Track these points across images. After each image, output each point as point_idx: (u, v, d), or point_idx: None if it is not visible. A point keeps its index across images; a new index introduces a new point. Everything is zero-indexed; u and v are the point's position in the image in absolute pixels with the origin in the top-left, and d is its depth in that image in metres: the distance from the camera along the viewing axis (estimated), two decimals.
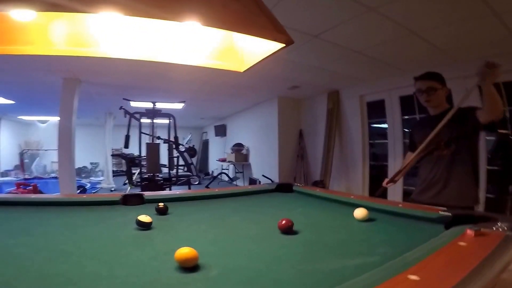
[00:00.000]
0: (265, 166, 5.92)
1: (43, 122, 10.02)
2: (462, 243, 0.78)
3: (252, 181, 6.12)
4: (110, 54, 1.18)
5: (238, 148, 6.92)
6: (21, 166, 9.10)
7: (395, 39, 2.58)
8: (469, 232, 0.84)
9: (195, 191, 2.07)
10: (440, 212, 1.17)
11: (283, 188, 2.09)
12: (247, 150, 6.88)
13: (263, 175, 5.78)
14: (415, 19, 2.21)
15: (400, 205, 1.40)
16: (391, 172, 3.98)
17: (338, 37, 2.55)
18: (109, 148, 7.86)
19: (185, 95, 5.26)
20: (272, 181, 5.47)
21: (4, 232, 1.05)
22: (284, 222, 1.12)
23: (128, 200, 1.62)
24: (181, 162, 7.15)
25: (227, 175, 7.54)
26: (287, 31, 1.00)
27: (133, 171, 6.82)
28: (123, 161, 9.08)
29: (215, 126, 8.87)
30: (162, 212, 1.37)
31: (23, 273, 0.70)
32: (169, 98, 5.50)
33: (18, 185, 5.87)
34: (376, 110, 4.26)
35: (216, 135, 9.00)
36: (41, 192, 5.91)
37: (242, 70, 1.35)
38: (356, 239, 1.07)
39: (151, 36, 1.19)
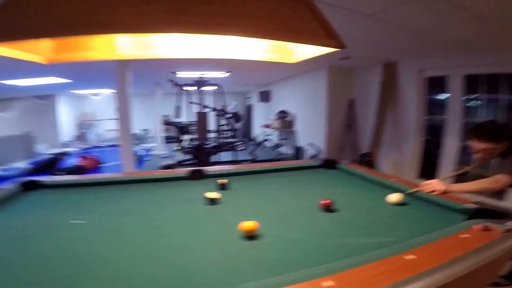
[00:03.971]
0: (311, 134, 5.99)
1: (95, 95, 11.04)
2: (466, 235, 0.94)
3: (298, 149, 6.28)
4: (172, 55, 1.29)
5: (283, 115, 7.01)
6: (80, 136, 10.20)
7: (462, 22, 2.37)
8: (476, 227, 1.00)
9: (246, 166, 2.33)
10: (464, 205, 1.28)
11: (327, 164, 2.26)
12: (293, 117, 6.95)
13: (308, 144, 5.89)
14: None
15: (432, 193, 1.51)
16: (446, 150, 3.90)
17: (402, 17, 2.43)
18: (159, 116, 8.50)
19: (231, 64, 5.39)
20: (318, 150, 5.59)
21: (108, 213, 1.37)
22: (325, 201, 1.33)
23: (193, 176, 1.95)
24: (227, 128, 7.55)
25: (271, 141, 7.80)
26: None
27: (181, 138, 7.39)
28: (170, 127, 9.85)
29: (259, 92, 8.94)
30: (224, 188, 1.67)
31: (139, 247, 1.01)
32: (215, 68, 5.69)
33: (83, 157, 6.81)
34: (435, 86, 4.03)
35: (260, 101, 9.09)
36: (101, 162, 6.89)
37: (292, 62, 1.48)
38: (382, 222, 1.25)
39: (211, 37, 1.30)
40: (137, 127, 10.41)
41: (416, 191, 1.55)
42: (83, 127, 10.23)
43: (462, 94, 3.68)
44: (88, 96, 11.10)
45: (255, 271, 0.84)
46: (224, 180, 1.71)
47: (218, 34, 0.96)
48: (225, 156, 6.77)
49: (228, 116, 7.05)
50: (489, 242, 0.91)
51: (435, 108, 4.15)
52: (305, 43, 1.13)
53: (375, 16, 2.42)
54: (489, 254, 0.86)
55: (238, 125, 8.04)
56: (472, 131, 1.73)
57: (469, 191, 1.65)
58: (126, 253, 0.96)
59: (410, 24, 2.59)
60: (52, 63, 1.19)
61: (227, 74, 6.23)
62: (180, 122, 7.01)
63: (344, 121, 5.42)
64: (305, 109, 6.31)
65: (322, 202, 1.34)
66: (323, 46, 1.12)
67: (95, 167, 6.59)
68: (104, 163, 7.06)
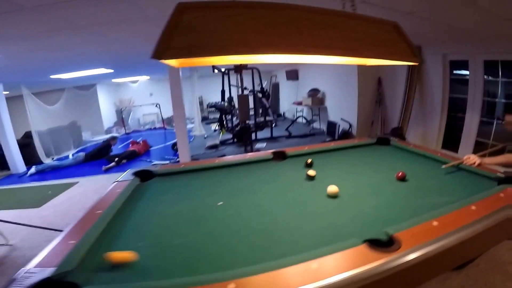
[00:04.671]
0: (342, 110, 6.38)
1: (133, 82, 11.60)
2: (502, 195, 1.45)
3: (331, 124, 6.68)
4: (271, 61, 1.57)
5: (314, 92, 7.36)
6: (121, 122, 10.81)
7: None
8: (510, 189, 1.49)
9: (315, 146, 2.75)
10: (496, 174, 1.78)
11: (381, 142, 2.71)
12: (323, 94, 7.28)
13: (341, 119, 6.28)
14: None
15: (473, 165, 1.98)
16: (467, 125, 4.38)
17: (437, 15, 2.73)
18: (196, 97, 8.98)
19: None
20: (350, 125, 5.99)
21: (235, 193, 1.79)
22: (401, 174, 1.80)
23: (278, 157, 2.45)
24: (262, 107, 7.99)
25: (304, 117, 8.19)
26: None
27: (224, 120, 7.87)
28: (205, 108, 10.32)
29: (286, 71, 9.25)
30: (310, 166, 2.17)
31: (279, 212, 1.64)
32: None
33: (133, 142, 7.37)
34: (460, 64, 4.39)
35: (287, 79, 9.40)
36: (151, 146, 7.54)
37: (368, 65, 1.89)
38: (443, 186, 1.78)
39: None
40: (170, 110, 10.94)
41: (459, 163, 2.01)
42: (123, 113, 10.88)
43: (482, 75, 4.04)
44: (126, 83, 11.67)
45: (368, 219, 1.40)
46: (310, 160, 2.20)
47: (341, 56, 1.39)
48: (260, 133, 7.25)
49: (263, 96, 7.45)
50: None
51: (458, 85, 4.54)
52: (400, 61, 1.53)
53: (414, 15, 2.72)
54: None
55: (271, 104, 8.46)
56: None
57: (499, 163, 2.03)
58: (276, 221, 1.42)
59: (443, 20, 2.87)
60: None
61: None
62: (223, 104, 7.48)
63: (373, 98, 5.76)
64: (335, 87, 6.64)
65: (399, 174, 1.81)
66: (410, 62, 1.53)
67: (146, 151, 7.26)
68: (152, 146, 7.73)
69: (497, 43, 3.58)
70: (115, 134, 9.14)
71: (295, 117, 8.53)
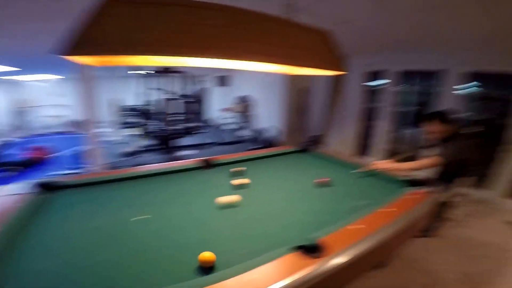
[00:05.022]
0: (270, 117, 6.65)
1: (38, 81, 9.91)
2: (409, 197, 1.71)
3: (259, 131, 6.88)
4: (200, 65, 1.44)
5: (244, 99, 7.49)
6: (18, 124, 9.24)
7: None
8: (415, 191, 1.77)
9: (241, 154, 2.75)
10: (404, 178, 2.06)
11: (304, 149, 2.89)
12: (253, 101, 7.47)
13: (270, 126, 6.53)
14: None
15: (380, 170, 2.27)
16: (377, 132, 5.00)
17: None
18: (114, 100, 8.15)
19: None
20: (277, 131, 6.27)
21: (160, 204, 1.68)
22: (323, 180, 1.91)
23: (207, 165, 2.35)
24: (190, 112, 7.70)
25: (233, 124, 8.23)
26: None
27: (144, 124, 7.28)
28: (124, 111, 9.42)
29: (217, 76, 9.20)
30: (237, 175, 2.13)
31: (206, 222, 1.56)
32: None
33: (33, 148, 6.11)
34: (375, 77, 5.05)
35: (218, 85, 9.36)
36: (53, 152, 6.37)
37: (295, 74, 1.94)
38: (360, 190, 1.95)
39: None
40: (80, 113, 9.64)
41: (369, 170, 2.24)
42: (21, 114, 9.12)
43: (394, 86, 4.73)
44: (24, 82, 9.85)
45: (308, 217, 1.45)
46: (239, 168, 2.17)
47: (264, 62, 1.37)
48: (186, 140, 6.97)
49: (191, 100, 7.20)
50: (423, 201, 1.67)
51: (371, 97, 5.22)
52: (330, 71, 1.60)
53: (349, 24, 2.97)
54: (424, 209, 1.58)
55: (198, 109, 8.23)
56: (432, 115, 2.37)
57: (410, 169, 2.26)
58: (203, 233, 1.35)
59: (375, 28, 3.22)
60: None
61: None
62: (143, 108, 6.92)
63: (300, 106, 6.18)
64: (265, 95, 6.91)
65: (322, 180, 1.92)
66: (336, 72, 1.63)
67: (47, 157, 6.17)
68: (56, 152, 6.64)
69: (413, 53, 4.19)
70: (8, 139, 7.58)
71: (224, 124, 8.51)
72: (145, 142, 6.86)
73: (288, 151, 2.93)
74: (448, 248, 2.67)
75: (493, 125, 3.76)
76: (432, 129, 2.35)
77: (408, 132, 4.74)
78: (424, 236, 2.82)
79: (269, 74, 6.52)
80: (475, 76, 3.80)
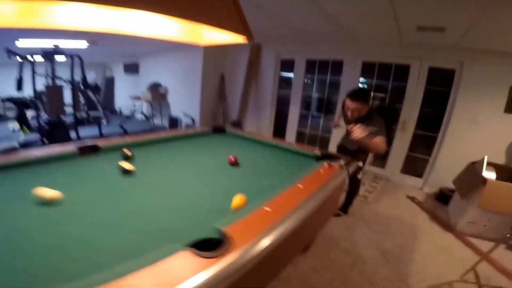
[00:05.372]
0: (185, 105, 6.12)
1: None
2: (321, 171, 1.56)
3: (172, 120, 6.27)
4: (68, 26, 1.13)
5: (155, 87, 6.72)
6: None
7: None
8: (325, 165, 1.65)
9: (142, 136, 2.22)
10: (315, 152, 1.94)
11: (217, 130, 2.55)
12: (165, 89, 6.77)
13: (184, 113, 6.00)
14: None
15: (294, 146, 2.15)
16: (290, 116, 5.11)
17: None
18: None
19: (95, 34, 4.63)
20: (193, 119, 5.81)
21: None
22: (232, 158, 1.63)
23: (84, 151, 1.79)
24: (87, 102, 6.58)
25: (143, 113, 7.34)
26: None
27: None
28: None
29: (124, 64, 8.17)
30: (128, 158, 1.67)
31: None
32: (71, 36, 4.73)
33: None
34: (287, 66, 5.12)
35: (125, 72, 8.30)
36: None
37: (202, 44, 1.57)
38: (271, 168, 1.72)
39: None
40: None
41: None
42: None
43: (304, 74, 4.87)
44: None
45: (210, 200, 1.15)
46: (128, 152, 1.71)
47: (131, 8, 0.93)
48: (90, 131, 5.95)
49: (87, 88, 6.14)
50: (335, 173, 1.56)
51: (284, 84, 5.31)
52: (223, 30, 1.25)
53: (261, 8, 2.77)
54: (337, 181, 1.45)
55: (98, 98, 7.11)
56: (358, 93, 2.31)
57: (376, 144, 2.14)
58: (79, 231, 0.97)
59: (285, 17, 3.12)
60: None
61: (86, 46, 5.37)
62: (22, 98, 5.54)
63: (216, 93, 5.87)
64: (179, 81, 6.33)
65: (231, 159, 1.63)
66: (238, 34, 1.30)
67: None
68: None
69: (322, 43, 4.30)
70: None
71: (132, 113, 7.56)
72: (30, 136, 5.54)
73: (200, 132, 2.56)
74: (365, 225, 2.77)
75: (387, 108, 4.15)
76: (356, 107, 2.29)
77: (317, 116, 4.96)
78: (339, 215, 2.86)
79: (185, 60, 5.98)
80: (372, 66, 4.10)
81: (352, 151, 2.53)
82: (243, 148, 2.13)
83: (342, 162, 1.73)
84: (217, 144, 2.24)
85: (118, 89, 9.28)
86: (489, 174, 2.57)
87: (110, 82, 9.51)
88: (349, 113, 2.34)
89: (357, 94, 2.30)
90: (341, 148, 2.77)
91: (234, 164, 1.66)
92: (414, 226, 2.88)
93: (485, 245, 2.57)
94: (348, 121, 2.47)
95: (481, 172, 2.60)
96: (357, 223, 2.80)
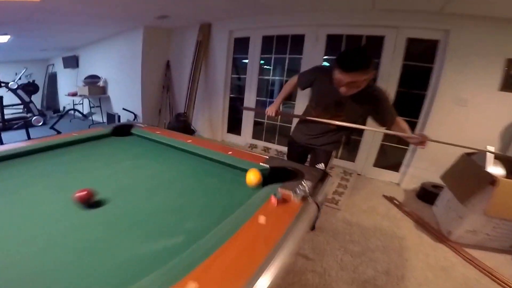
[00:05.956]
0: (127, 98, 5.20)
1: None
2: (263, 219, 0.78)
3: (111, 116, 5.35)
4: None
5: (92, 80, 5.72)
6: None
7: None
8: (273, 200, 0.90)
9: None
10: (261, 164, 1.22)
11: (119, 131, 1.76)
12: (105, 82, 5.78)
13: (123, 109, 5.10)
14: None
15: (230, 152, 1.36)
16: (246, 103, 4.33)
17: None
18: None
19: (10, 25, 3.72)
20: (135, 114, 4.94)
21: None
22: (80, 193, 0.86)
23: None
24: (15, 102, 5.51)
25: (79, 111, 6.29)
26: None
27: None
28: None
29: (63, 58, 7.06)
30: None
31: None
32: None
33: None
34: (241, 46, 4.26)
35: (65, 67, 7.20)
36: None
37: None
38: (170, 208, 0.93)
39: None
40: None
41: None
42: None
43: (259, 55, 4.09)
44: None
45: None
46: None
47: None
48: (19, 135, 4.96)
49: (13, 87, 5.13)
50: (292, 221, 0.80)
51: (239, 69, 4.49)
52: None
53: None
54: (297, 237, 0.75)
55: (31, 97, 6.03)
56: (356, 66, 1.37)
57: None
58: None
59: None
60: None
61: (6, 38, 4.38)
62: None
63: (161, 83, 5.03)
64: (120, 72, 5.39)
65: (78, 195, 0.86)
66: None
67: None
68: None
69: (278, 16, 3.60)
70: None
71: (65, 111, 6.50)
72: None
73: (97, 134, 1.73)
74: (338, 245, 2.11)
75: None
76: (354, 80, 1.40)
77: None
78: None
79: (124, 47, 5.01)
80: (339, 40, 3.37)
81: (315, 146, 1.86)
82: (146, 162, 1.35)
83: (304, 187, 0.95)
84: (107, 156, 1.44)
85: (61, 86, 8.14)
86: (496, 170, 1.98)
87: (53, 80, 8.32)
88: (342, 90, 1.49)
89: (355, 61, 1.36)
90: (294, 145, 2.00)
91: (87, 203, 0.88)
92: (398, 238, 2.27)
93: (488, 258, 2.02)
94: (331, 104, 1.69)
95: (486, 168, 2.00)
96: (328, 243, 2.13)
